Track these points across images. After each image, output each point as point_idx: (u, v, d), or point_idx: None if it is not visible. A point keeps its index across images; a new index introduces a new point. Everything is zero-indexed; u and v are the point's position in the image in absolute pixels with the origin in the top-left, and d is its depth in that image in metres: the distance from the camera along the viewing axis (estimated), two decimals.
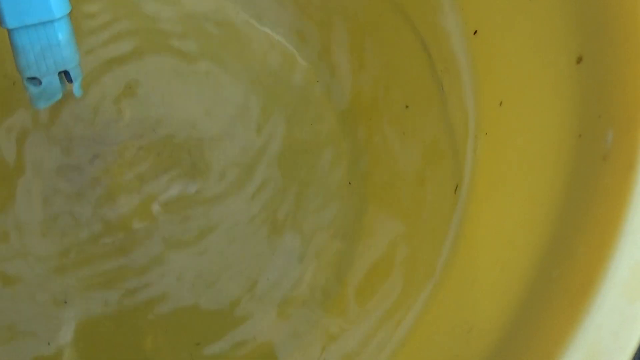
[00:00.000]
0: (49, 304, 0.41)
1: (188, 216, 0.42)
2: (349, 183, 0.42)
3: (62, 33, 0.31)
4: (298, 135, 0.43)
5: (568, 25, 0.26)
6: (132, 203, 0.43)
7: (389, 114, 0.40)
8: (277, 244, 0.42)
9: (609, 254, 0.21)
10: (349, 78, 0.42)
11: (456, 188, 0.33)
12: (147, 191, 0.43)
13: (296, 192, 0.43)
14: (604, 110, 0.24)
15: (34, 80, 0.32)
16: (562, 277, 0.22)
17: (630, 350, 0.20)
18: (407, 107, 0.38)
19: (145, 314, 0.41)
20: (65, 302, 0.41)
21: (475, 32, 0.33)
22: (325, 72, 0.44)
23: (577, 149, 0.24)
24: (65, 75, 0.33)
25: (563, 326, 0.20)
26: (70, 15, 0.32)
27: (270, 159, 0.43)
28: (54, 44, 0.31)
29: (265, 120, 0.44)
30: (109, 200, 0.43)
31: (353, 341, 0.36)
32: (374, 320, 0.35)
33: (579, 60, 0.26)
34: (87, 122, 0.43)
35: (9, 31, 0.31)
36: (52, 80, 0.32)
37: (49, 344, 0.41)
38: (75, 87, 0.34)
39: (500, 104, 0.30)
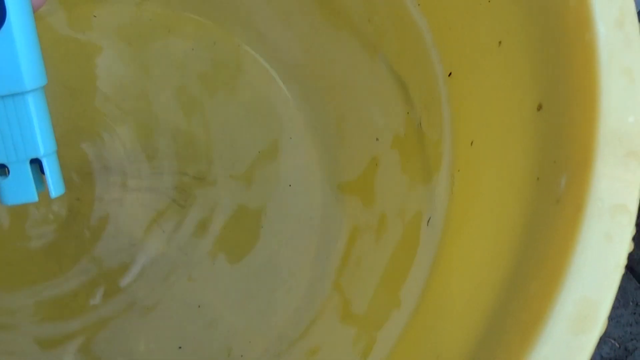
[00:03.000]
0: None
1: None
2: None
3: (34, 109, 0.26)
4: None
5: (531, 75, 0.29)
6: None
7: (363, 145, 0.42)
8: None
9: (557, 289, 0.23)
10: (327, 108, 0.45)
11: (429, 220, 0.35)
12: None
13: None
14: (558, 156, 0.26)
15: (1, 168, 0.26)
16: (517, 311, 0.24)
17: None
18: (377, 139, 0.41)
19: None
20: None
21: (450, 74, 0.35)
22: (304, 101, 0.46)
23: (535, 191, 0.27)
24: (39, 166, 0.26)
25: (515, 357, 0.22)
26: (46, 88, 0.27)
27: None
28: (24, 122, 0.26)
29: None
30: None
31: None
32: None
33: (539, 107, 0.28)
34: None
35: None
36: (21, 170, 0.26)
37: None
38: (51, 184, 0.27)
39: (472, 143, 0.33)
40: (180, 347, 0.44)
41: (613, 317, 1.20)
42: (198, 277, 0.45)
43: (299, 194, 0.46)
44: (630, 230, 0.24)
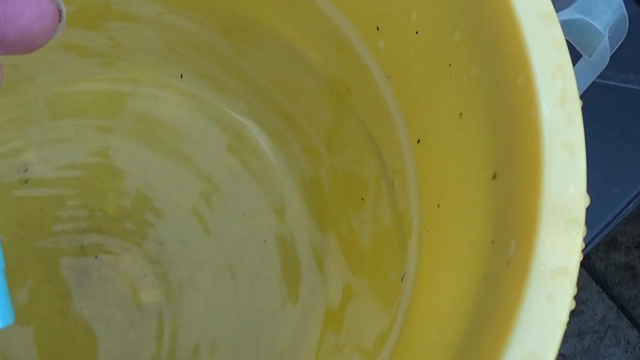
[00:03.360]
0: None
1: None
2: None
3: None
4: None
5: (488, 145, 0.32)
6: None
7: (350, 203, 0.45)
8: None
9: (505, 344, 0.25)
10: (313, 170, 0.48)
11: (403, 276, 0.38)
12: None
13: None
14: (509, 222, 0.29)
15: None
16: None
17: None
18: (362, 199, 0.43)
19: None
20: None
21: (419, 141, 0.38)
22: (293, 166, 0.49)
23: (490, 253, 0.29)
24: None
25: None
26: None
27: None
28: None
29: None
30: None
31: None
32: None
33: (494, 176, 0.31)
34: None
35: None
36: None
37: None
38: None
39: (438, 206, 0.36)
40: None
41: (605, 356, 1.22)
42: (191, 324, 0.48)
43: (289, 251, 0.48)
44: (571, 291, 0.26)
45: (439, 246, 0.35)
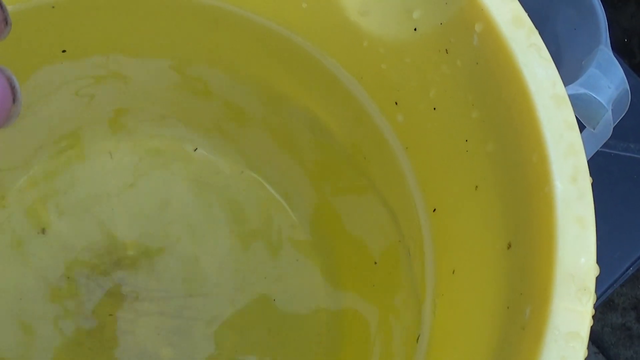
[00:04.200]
0: None
1: None
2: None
3: None
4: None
5: (502, 217, 0.34)
6: None
7: (362, 268, 0.47)
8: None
9: None
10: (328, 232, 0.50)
11: (418, 338, 0.40)
12: None
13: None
14: (524, 289, 0.31)
15: None
16: None
17: None
18: (375, 263, 0.46)
19: None
20: None
21: (435, 210, 0.40)
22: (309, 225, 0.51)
23: (505, 318, 0.32)
24: None
25: None
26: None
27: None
28: None
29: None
30: None
31: None
32: None
33: (509, 246, 0.33)
34: None
35: None
36: None
37: None
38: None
39: (453, 272, 0.38)
40: None
41: None
42: None
43: (302, 318, 0.50)
44: (582, 354, 0.29)
45: (453, 310, 0.37)
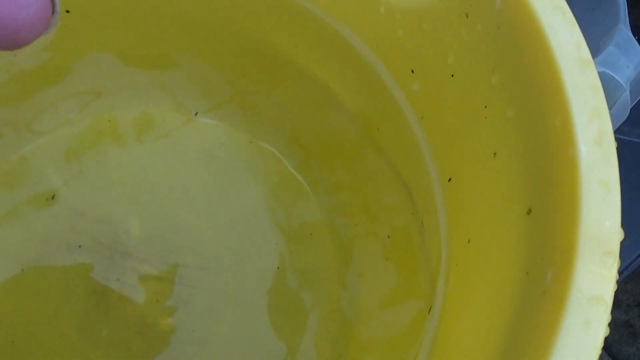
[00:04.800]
0: None
1: None
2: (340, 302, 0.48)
3: None
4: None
5: (522, 183, 0.33)
6: None
7: (374, 242, 0.46)
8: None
9: None
10: (343, 206, 0.49)
11: (430, 309, 0.39)
12: None
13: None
14: (545, 254, 0.30)
15: None
16: None
17: None
18: (388, 236, 0.45)
19: None
20: None
21: (450, 179, 0.39)
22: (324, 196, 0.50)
23: (525, 284, 0.31)
24: None
25: None
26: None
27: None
28: None
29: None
30: None
31: None
32: None
33: (529, 211, 0.32)
34: None
35: None
36: None
37: None
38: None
39: (469, 241, 0.37)
40: None
41: None
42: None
43: (312, 285, 0.49)
44: (606, 318, 0.28)
45: (468, 280, 0.36)
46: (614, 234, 0.29)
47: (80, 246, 0.50)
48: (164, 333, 0.49)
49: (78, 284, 0.49)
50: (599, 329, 0.27)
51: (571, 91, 0.31)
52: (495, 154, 0.35)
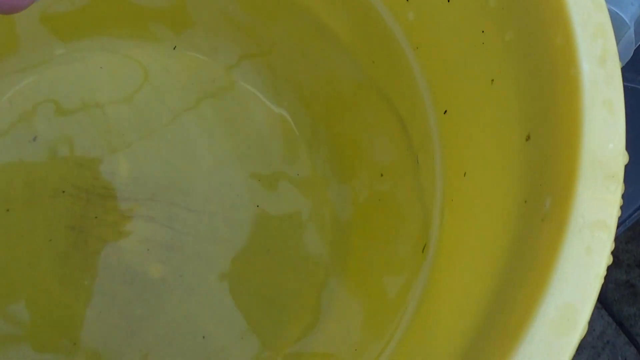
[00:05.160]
0: None
1: None
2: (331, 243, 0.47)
3: None
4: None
5: (520, 109, 0.31)
6: None
7: (367, 180, 0.44)
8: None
9: (541, 296, 0.25)
10: (332, 144, 0.47)
11: (424, 247, 0.37)
12: None
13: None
14: (544, 180, 0.28)
15: None
16: (503, 318, 0.26)
17: None
18: (381, 175, 0.43)
19: None
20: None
21: (445, 111, 0.37)
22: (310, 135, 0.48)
23: (523, 212, 0.29)
24: None
25: (500, 357, 0.25)
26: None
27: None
28: None
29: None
30: None
31: None
32: None
33: (528, 138, 0.30)
34: None
35: None
36: None
37: None
38: None
39: (465, 174, 0.35)
40: None
41: None
42: (201, 306, 0.47)
43: (303, 230, 0.48)
44: (609, 245, 0.26)
45: (464, 214, 0.34)
46: (618, 156, 0.27)
47: (64, 191, 0.48)
48: (152, 280, 0.48)
49: (60, 226, 0.48)
50: (601, 256, 0.26)
51: (573, 8, 0.29)
52: (492, 80, 0.33)
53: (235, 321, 0.46)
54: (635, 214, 0.63)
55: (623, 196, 0.57)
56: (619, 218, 0.60)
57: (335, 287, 0.45)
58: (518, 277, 0.27)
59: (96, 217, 0.47)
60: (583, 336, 0.25)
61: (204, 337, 0.46)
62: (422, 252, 0.37)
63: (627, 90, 0.63)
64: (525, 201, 0.29)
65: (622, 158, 0.27)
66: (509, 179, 0.31)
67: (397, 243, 0.41)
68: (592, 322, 1.20)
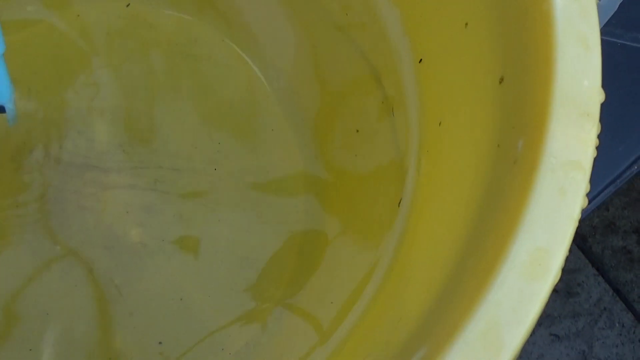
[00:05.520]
0: None
1: None
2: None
3: None
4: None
5: (494, 51, 0.30)
6: None
7: (342, 137, 0.43)
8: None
9: (511, 240, 0.23)
10: (306, 103, 0.46)
11: (400, 201, 0.36)
12: None
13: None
14: (517, 122, 0.27)
15: None
16: (473, 264, 0.25)
17: (528, 324, 0.23)
18: (357, 131, 0.42)
19: None
20: None
21: (421, 60, 0.36)
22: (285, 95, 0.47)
23: (495, 156, 0.27)
24: None
25: (468, 304, 0.23)
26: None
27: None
28: None
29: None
30: None
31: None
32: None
33: (501, 80, 0.29)
34: None
35: None
36: None
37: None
38: (9, 118, 0.38)
39: (440, 123, 0.34)
40: (160, 343, 0.44)
41: (599, 338, 1.20)
42: (179, 269, 0.46)
43: (280, 187, 0.46)
44: (584, 186, 0.25)
45: (440, 164, 0.33)
46: (593, 94, 0.25)
47: (32, 150, 0.47)
48: (132, 244, 0.46)
49: (31, 195, 0.46)
50: (575, 197, 0.24)
51: None
52: (466, 24, 0.32)
53: (216, 282, 0.45)
54: (627, 173, 0.62)
55: (614, 155, 0.55)
56: (610, 177, 0.58)
57: (313, 248, 0.44)
58: (490, 223, 0.26)
59: (74, 185, 0.45)
60: (556, 282, 0.24)
61: (181, 299, 0.44)
62: (398, 206, 0.36)
63: (616, 47, 0.61)
64: (498, 145, 0.28)
65: (598, 96, 0.26)
66: (483, 124, 0.29)
67: (374, 198, 0.40)
68: (589, 289, 1.19)
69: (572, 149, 0.24)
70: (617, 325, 1.22)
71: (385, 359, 0.27)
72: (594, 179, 0.57)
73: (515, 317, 0.23)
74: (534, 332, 1.16)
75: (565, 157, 0.24)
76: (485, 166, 0.28)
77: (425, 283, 0.29)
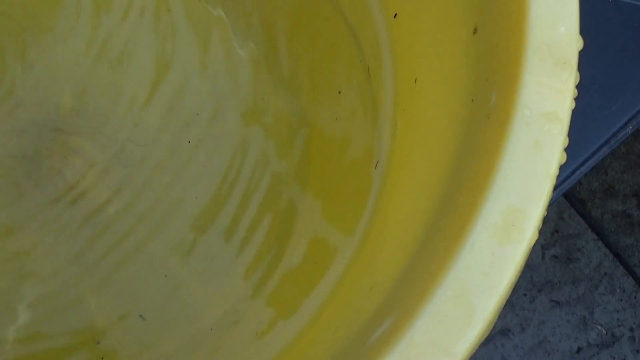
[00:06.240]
0: None
1: None
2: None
3: None
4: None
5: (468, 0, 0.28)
6: None
7: (324, 101, 0.41)
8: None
9: (482, 199, 0.22)
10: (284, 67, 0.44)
11: (376, 164, 0.34)
12: None
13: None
14: (491, 74, 0.25)
15: None
16: (445, 226, 0.23)
17: (502, 289, 0.21)
18: (339, 93, 0.40)
19: None
20: None
21: (395, 15, 0.34)
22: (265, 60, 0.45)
23: (470, 111, 0.26)
24: None
25: (437, 268, 0.22)
26: None
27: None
28: None
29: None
30: None
31: None
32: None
33: (475, 31, 0.27)
34: None
35: None
36: None
37: None
38: None
39: (415, 80, 0.32)
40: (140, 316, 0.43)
41: (600, 304, 1.19)
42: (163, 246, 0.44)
43: (255, 152, 0.45)
44: (562, 140, 0.23)
45: (415, 122, 0.31)
46: (571, 41, 0.24)
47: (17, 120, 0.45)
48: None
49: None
50: (552, 152, 0.22)
51: None
52: None
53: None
54: (622, 133, 0.60)
55: (607, 114, 0.54)
56: (604, 137, 0.57)
57: (296, 212, 0.42)
58: (462, 183, 0.24)
59: (47, 149, 0.44)
60: (533, 244, 0.22)
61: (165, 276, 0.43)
62: (375, 168, 0.34)
63: (608, 3, 0.59)
64: (472, 100, 0.26)
65: (576, 43, 0.24)
66: (458, 77, 0.27)
67: (352, 161, 0.38)
68: (588, 255, 1.18)
69: (547, 100, 0.23)
70: (617, 290, 1.21)
71: (356, 327, 0.25)
72: (587, 140, 0.55)
73: (487, 282, 0.21)
74: (534, 299, 1.15)
75: (540, 109, 0.23)
76: (460, 122, 0.26)
77: (398, 248, 0.27)
